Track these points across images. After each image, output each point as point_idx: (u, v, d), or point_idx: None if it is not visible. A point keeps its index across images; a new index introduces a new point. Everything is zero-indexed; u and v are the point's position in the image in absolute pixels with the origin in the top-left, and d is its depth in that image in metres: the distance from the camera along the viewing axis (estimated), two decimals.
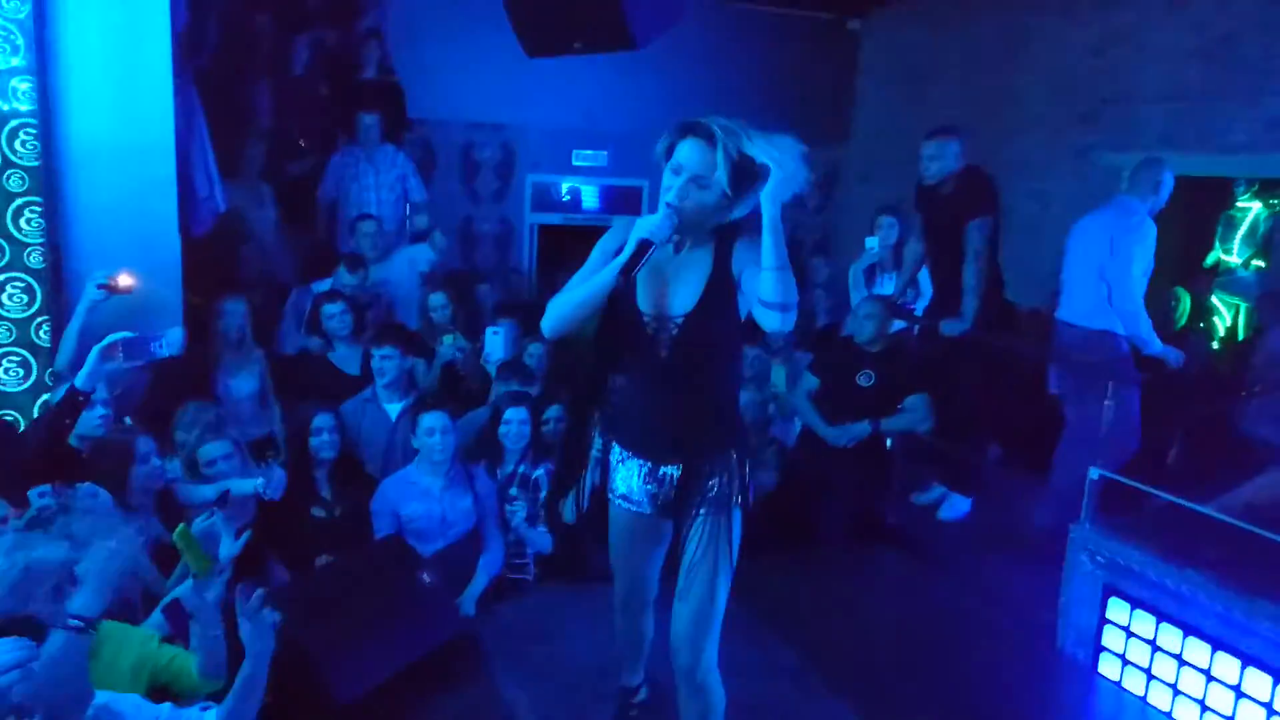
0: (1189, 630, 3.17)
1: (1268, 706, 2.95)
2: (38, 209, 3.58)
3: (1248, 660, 3.00)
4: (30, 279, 3.61)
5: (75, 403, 3.03)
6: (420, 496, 3.80)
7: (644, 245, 2.18)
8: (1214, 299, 6.22)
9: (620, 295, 2.31)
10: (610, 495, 2.58)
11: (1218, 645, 3.08)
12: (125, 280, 3.55)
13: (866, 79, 8.58)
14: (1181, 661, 3.19)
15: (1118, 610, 3.41)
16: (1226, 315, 6.21)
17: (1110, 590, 3.43)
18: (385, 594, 3.32)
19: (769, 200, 2.06)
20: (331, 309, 4.70)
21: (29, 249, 3.59)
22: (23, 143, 3.53)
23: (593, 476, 2.61)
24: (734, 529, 2.46)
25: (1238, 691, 3.03)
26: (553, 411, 4.20)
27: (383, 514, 3.79)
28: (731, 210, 2.26)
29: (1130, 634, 3.37)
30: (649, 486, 2.49)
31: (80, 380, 3.03)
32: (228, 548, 2.59)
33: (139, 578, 2.83)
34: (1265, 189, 6.22)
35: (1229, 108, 5.73)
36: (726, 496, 2.43)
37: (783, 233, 2.08)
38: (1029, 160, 6.75)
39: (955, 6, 7.30)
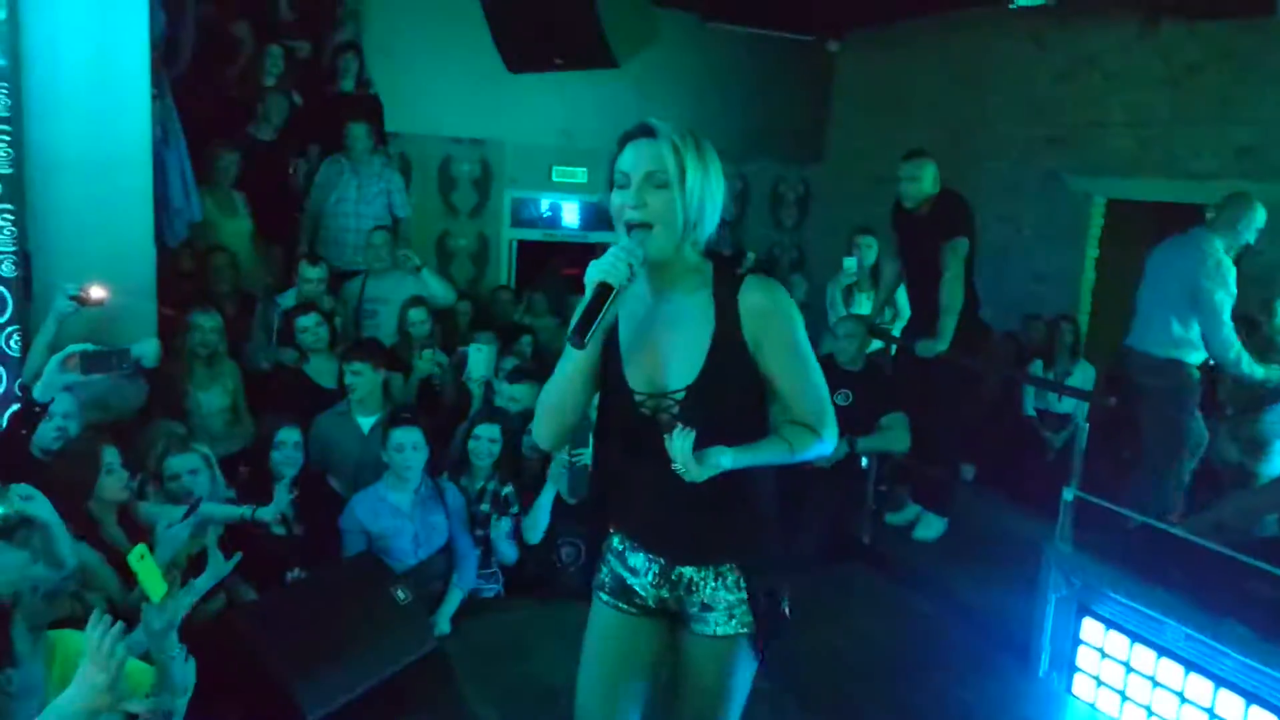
0: (1162, 651, 3.18)
1: None
2: (10, 216, 3.53)
3: (1220, 682, 3.01)
4: (1, 288, 3.56)
5: (32, 413, 2.97)
6: (390, 514, 3.75)
7: (601, 293, 1.71)
8: None
9: (607, 367, 1.88)
10: (597, 593, 2.08)
11: (1190, 666, 3.09)
12: (96, 292, 3.49)
13: (843, 101, 8.68)
14: (1155, 683, 3.20)
15: (1092, 630, 3.42)
16: None
17: (1084, 610, 3.44)
18: (357, 611, 3.27)
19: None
20: (305, 321, 4.62)
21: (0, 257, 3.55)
22: None
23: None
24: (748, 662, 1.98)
25: (1210, 714, 3.03)
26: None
27: (352, 532, 3.73)
28: (713, 215, 1.83)
29: (1104, 654, 3.37)
30: (657, 588, 1.98)
31: (37, 391, 2.97)
32: (216, 568, 2.49)
33: None
34: None
35: (1196, 134, 5.84)
36: (743, 614, 1.93)
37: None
38: (999, 183, 6.85)
39: (930, 31, 7.40)
